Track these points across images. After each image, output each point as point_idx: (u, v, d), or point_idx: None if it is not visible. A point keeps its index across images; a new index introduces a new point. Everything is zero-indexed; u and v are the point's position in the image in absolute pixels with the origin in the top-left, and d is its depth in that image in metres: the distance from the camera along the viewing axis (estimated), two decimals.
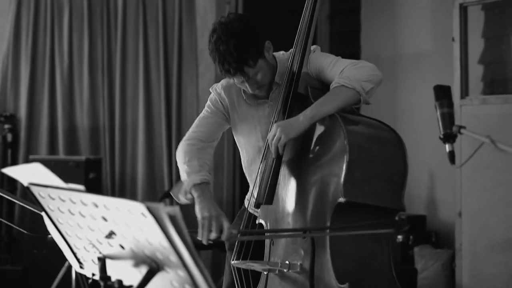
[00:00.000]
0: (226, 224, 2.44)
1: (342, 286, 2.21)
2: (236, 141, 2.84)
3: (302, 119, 2.36)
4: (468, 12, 4.43)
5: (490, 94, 4.53)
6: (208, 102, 2.78)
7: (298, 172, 2.45)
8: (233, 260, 2.61)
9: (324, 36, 6.14)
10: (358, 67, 2.43)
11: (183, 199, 2.67)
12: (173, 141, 5.50)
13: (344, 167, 2.27)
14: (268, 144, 2.43)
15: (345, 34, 6.07)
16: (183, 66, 5.58)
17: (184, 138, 2.76)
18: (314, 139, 2.41)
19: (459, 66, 4.40)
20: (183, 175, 2.64)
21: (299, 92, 2.49)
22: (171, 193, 2.79)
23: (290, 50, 2.63)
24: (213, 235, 2.44)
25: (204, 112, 2.78)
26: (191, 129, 2.77)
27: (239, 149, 2.82)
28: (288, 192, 2.48)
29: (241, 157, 2.84)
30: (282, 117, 2.49)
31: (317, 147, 2.41)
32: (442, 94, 1.98)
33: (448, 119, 1.91)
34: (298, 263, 2.39)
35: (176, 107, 5.55)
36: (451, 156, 1.87)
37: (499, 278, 4.12)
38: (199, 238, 2.47)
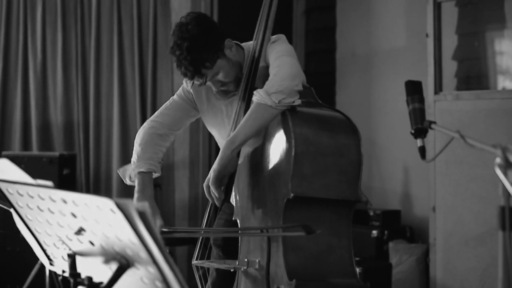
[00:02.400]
0: (158, 222, 2.47)
1: (290, 282, 2.19)
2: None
3: (221, 152, 2.37)
4: (442, 8, 4.46)
5: (463, 89, 4.57)
6: (180, 90, 2.79)
7: (256, 169, 2.44)
8: (193, 260, 2.64)
9: (299, 32, 6.15)
10: (274, 75, 2.36)
11: (128, 181, 2.73)
12: None
13: (291, 162, 2.23)
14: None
15: (320, 30, 6.09)
16: (158, 61, 5.55)
17: (150, 119, 2.79)
18: (268, 135, 2.39)
19: (433, 62, 4.43)
20: (134, 157, 2.70)
21: (257, 87, 2.46)
22: (118, 172, 2.81)
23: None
24: None
25: (174, 98, 2.79)
26: (158, 112, 2.80)
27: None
28: (250, 189, 2.47)
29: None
30: (242, 114, 2.48)
31: (269, 143, 2.38)
32: (413, 89, 1.99)
33: (419, 114, 1.92)
34: (257, 260, 2.38)
35: (151, 103, 5.52)
36: (422, 151, 1.88)
37: (473, 272, 4.17)
38: None
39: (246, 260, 2.43)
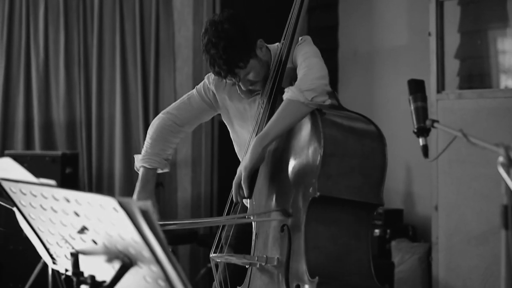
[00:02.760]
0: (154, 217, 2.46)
1: (313, 280, 2.21)
2: (230, 134, 2.84)
3: (251, 148, 2.35)
4: (444, 7, 4.45)
5: (466, 88, 4.56)
6: (201, 86, 2.78)
7: (280, 167, 2.45)
8: (211, 253, 2.62)
9: (302, 31, 6.13)
10: (305, 74, 2.38)
11: (136, 169, 2.78)
12: None
13: (318, 161, 2.26)
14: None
15: (322, 29, 6.09)
16: (160, 60, 5.55)
17: (166, 110, 2.78)
18: (295, 134, 2.41)
19: (435, 61, 4.43)
20: (144, 147, 2.74)
21: (283, 87, 2.47)
22: (134, 156, 2.84)
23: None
24: None
25: (193, 93, 2.78)
26: (173, 105, 2.79)
27: (232, 141, 2.82)
28: (271, 186, 2.48)
29: (235, 148, 2.84)
30: (267, 113, 2.49)
31: (296, 142, 2.40)
32: (416, 88, 1.98)
33: (421, 113, 1.92)
34: (276, 257, 2.39)
35: (153, 102, 5.52)
36: (424, 150, 1.88)
37: (475, 271, 4.16)
38: None
39: (264, 256, 2.43)
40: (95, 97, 5.60)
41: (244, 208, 2.71)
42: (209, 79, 2.75)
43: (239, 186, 2.39)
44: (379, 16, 5.65)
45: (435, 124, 1.86)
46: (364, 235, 2.37)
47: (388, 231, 4.88)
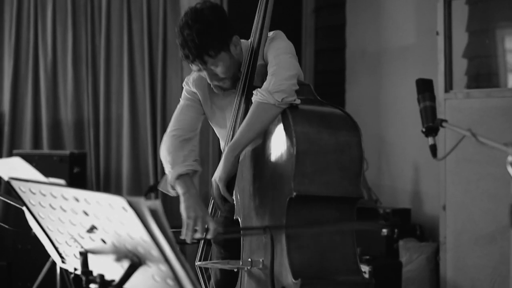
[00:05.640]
0: (212, 225, 2.38)
1: (296, 282, 2.18)
2: None
3: (223, 157, 2.33)
4: (452, 6, 4.44)
5: (474, 88, 4.55)
6: (184, 93, 2.75)
7: (257, 168, 2.43)
8: (196, 261, 2.61)
9: (309, 30, 6.15)
10: (273, 74, 2.35)
11: (172, 192, 2.63)
12: (158, 135, 5.48)
13: (293, 161, 2.22)
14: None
15: (330, 28, 6.08)
16: (168, 60, 5.56)
17: (168, 131, 2.72)
18: (269, 134, 2.38)
19: (443, 60, 4.41)
20: (167, 167, 2.59)
21: (255, 85, 2.45)
22: (160, 189, 2.74)
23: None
24: (198, 235, 2.41)
25: (182, 103, 2.75)
26: (172, 122, 2.73)
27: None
28: (252, 188, 2.46)
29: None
30: (241, 112, 2.47)
31: (270, 142, 2.37)
32: (424, 87, 1.98)
33: (430, 112, 1.92)
34: (260, 260, 2.38)
35: (160, 101, 5.53)
36: (433, 149, 1.88)
37: (483, 270, 4.15)
38: (182, 237, 2.42)
39: (249, 260, 2.41)
40: (103, 96, 5.62)
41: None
42: (188, 83, 2.72)
43: (219, 197, 2.37)
44: (387, 15, 5.64)
45: (444, 124, 1.85)
46: (348, 230, 2.33)
47: (396, 230, 4.87)
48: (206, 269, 2.66)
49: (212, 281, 2.74)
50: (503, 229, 3.98)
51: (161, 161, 2.72)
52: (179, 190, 2.53)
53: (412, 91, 2.02)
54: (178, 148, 2.63)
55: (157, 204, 1.33)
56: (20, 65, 5.66)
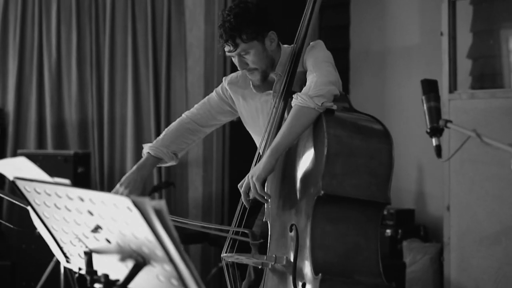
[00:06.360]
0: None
1: (316, 277, 2.23)
2: None
3: (265, 159, 2.37)
4: (456, 6, 4.44)
5: (478, 88, 4.55)
6: (218, 87, 2.88)
7: (288, 168, 2.48)
8: (223, 253, 2.64)
9: (313, 30, 6.14)
10: (313, 80, 2.42)
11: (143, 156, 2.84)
12: None
13: (323, 161, 2.29)
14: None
15: (334, 28, 6.08)
16: (172, 60, 5.56)
17: (186, 112, 2.89)
18: (303, 135, 2.42)
19: (447, 60, 4.41)
20: (157, 139, 2.82)
21: (294, 91, 2.52)
22: (143, 145, 2.89)
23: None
24: None
25: (212, 94, 2.89)
26: (194, 108, 2.89)
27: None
28: (282, 188, 2.51)
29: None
30: (279, 115, 2.54)
31: (303, 143, 2.43)
32: (429, 88, 1.98)
33: (434, 113, 1.92)
34: (284, 256, 2.42)
35: (165, 101, 5.53)
36: (438, 150, 1.88)
37: (487, 271, 4.15)
38: None
39: (274, 256, 2.45)
40: (107, 96, 5.62)
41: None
42: (225, 80, 2.84)
43: (247, 193, 2.41)
44: (391, 15, 5.63)
45: (449, 124, 1.85)
46: (372, 234, 2.38)
47: (400, 231, 4.87)
48: (232, 266, 2.67)
49: (245, 280, 2.79)
50: (507, 230, 3.98)
51: None
52: (137, 163, 2.79)
53: (416, 92, 2.02)
54: (174, 132, 2.83)
55: (161, 204, 1.33)
56: (25, 65, 5.67)
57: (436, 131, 1.89)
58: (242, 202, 2.52)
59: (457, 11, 4.44)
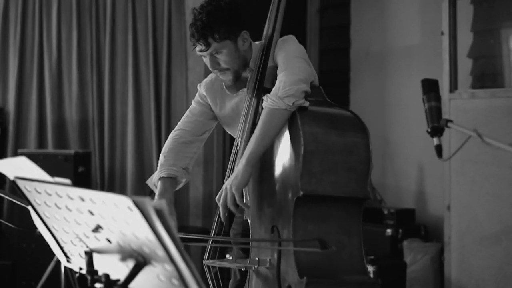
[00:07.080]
0: (172, 224, 2.43)
1: (301, 280, 2.19)
2: None
3: (241, 168, 2.33)
4: (457, 6, 4.44)
5: (479, 88, 4.55)
6: (196, 96, 2.83)
7: (266, 168, 2.45)
8: (204, 260, 2.63)
9: (314, 30, 6.15)
10: (281, 80, 2.37)
11: (155, 190, 2.71)
12: (162, 135, 5.49)
13: (300, 160, 2.24)
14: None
15: (335, 28, 6.08)
16: (173, 60, 5.56)
17: (174, 129, 2.81)
18: (278, 135, 2.38)
19: (448, 60, 4.41)
20: (158, 165, 2.72)
21: (266, 87, 2.48)
22: (147, 183, 2.81)
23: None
24: None
25: (192, 105, 2.83)
26: (180, 121, 2.82)
27: None
28: (260, 188, 2.48)
29: None
30: (254, 110, 2.50)
31: (279, 143, 2.39)
32: (430, 87, 1.98)
33: (435, 112, 1.91)
34: (267, 259, 2.39)
35: (165, 101, 5.53)
36: (438, 149, 1.87)
37: (488, 271, 4.15)
38: None
39: (257, 259, 2.43)
40: (107, 96, 5.62)
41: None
42: (200, 86, 2.80)
43: (225, 205, 2.36)
44: (392, 15, 5.63)
45: (449, 124, 1.85)
46: (355, 230, 2.33)
47: (400, 230, 4.87)
48: (214, 268, 2.65)
49: (231, 281, 2.77)
50: (508, 230, 3.98)
51: None
52: (157, 191, 2.65)
53: (417, 91, 2.02)
54: (172, 150, 2.72)
55: (162, 203, 1.33)
56: (25, 64, 5.67)
57: (436, 130, 1.89)
58: (219, 214, 2.46)
59: (457, 10, 4.44)
